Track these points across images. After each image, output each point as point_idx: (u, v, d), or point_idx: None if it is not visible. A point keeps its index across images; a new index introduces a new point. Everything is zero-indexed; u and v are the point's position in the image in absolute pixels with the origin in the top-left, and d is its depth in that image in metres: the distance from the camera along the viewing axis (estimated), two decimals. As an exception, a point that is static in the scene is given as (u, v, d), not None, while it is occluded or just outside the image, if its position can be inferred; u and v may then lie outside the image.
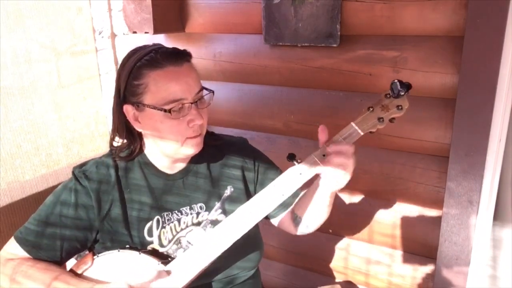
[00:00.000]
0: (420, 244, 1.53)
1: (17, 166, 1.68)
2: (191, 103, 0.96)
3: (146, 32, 1.65)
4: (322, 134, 0.93)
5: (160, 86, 0.94)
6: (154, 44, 1.01)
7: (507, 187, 2.45)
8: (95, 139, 2.04)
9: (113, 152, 1.07)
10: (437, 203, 1.45)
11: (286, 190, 0.95)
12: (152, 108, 0.95)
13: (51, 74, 1.80)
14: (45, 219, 1.00)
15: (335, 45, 1.46)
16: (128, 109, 0.99)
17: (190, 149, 1.00)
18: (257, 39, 1.61)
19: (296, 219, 1.12)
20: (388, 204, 1.55)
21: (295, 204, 1.14)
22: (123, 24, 1.73)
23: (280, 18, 1.51)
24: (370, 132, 0.93)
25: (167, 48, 0.99)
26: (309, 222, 1.10)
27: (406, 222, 1.54)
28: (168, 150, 1.01)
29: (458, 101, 1.32)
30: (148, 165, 1.06)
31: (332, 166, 0.91)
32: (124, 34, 1.93)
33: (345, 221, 1.65)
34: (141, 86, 0.95)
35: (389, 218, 1.56)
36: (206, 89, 1.02)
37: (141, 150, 1.07)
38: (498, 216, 2.47)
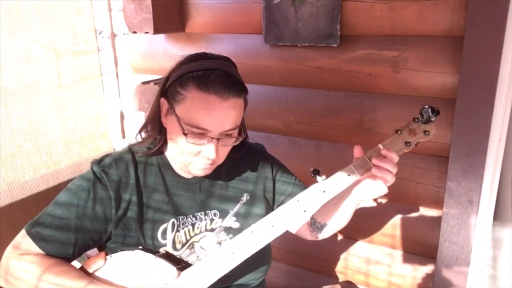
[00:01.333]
0: (420, 244, 1.53)
1: (17, 167, 1.68)
2: (212, 138, 0.93)
3: (146, 32, 1.65)
4: (357, 151, 0.94)
5: (194, 107, 0.92)
6: (224, 59, 1.00)
7: (507, 187, 2.44)
8: (96, 139, 2.04)
9: (139, 143, 1.06)
10: (437, 203, 1.45)
11: (309, 207, 0.94)
12: (177, 119, 0.94)
13: (51, 74, 1.80)
14: (60, 215, 0.97)
15: (335, 45, 1.46)
16: (164, 103, 0.99)
17: (195, 172, 1.00)
18: (257, 39, 1.61)
19: (315, 224, 1.11)
20: (388, 204, 1.55)
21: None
22: (123, 24, 1.73)
23: (280, 18, 1.51)
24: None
25: (226, 75, 0.95)
26: (329, 228, 1.09)
27: (406, 222, 1.53)
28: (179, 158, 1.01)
29: (458, 101, 1.32)
30: (166, 167, 1.06)
31: (378, 171, 0.90)
32: (124, 34, 1.93)
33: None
34: (180, 95, 0.94)
35: (389, 218, 1.56)
36: (240, 135, 1.00)
37: (162, 149, 1.06)
38: (498, 216, 2.47)
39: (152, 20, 1.61)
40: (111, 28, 1.94)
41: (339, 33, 1.43)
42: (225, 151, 1.00)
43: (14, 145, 1.67)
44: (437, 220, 1.45)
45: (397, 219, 1.55)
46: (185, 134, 0.92)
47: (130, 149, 1.06)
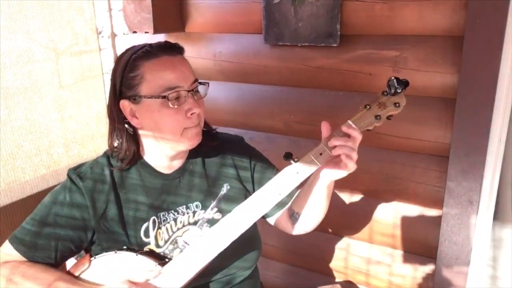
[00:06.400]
0: (420, 244, 1.53)
1: (18, 167, 1.68)
2: (188, 91, 0.96)
3: (146, 32, 1.65)
4: (325, 129, 0.93)
5: (156, 74, 0.95)
6: (146, 43, 1.02)
7: (507, 187, 2.44)
8: (96, 139, 2.04)
9: (111, 156, 1.06)
10: (437, 203, 1.45)
11: (283, 190, 0.94)
12: (149, 98, 0.95)
13: (52, 74, 1.80)
14: (39, 220, 1.00)
15: (335, 45, 1.46)
16: (125, 105, 0.98)
17: (189, 141, 1.00)
18: (257, 39, 1.61)
19: (293, 216, 1.11)
20: (388, 204, 1.55)
21: (293, 199, 1.13)
22: (123, 24, 1.73)
23: (280, 18, 1.51)
24: (367, 130, 0.93)
25: (160, 41, 1.00)
26: (307, 218, 1.09)
27: (406, 222, 1.53)
28: (167, 143, 1.00)
29: (458, 101, 1.31)
30: (144, 165, 1.06)
31: (341, 151, 0.90)
32: (124, 34, 1.93)
33: (345, 221, 1.65)
34: (137, 78, 0.95)
35: (389, 218, 1.56)
36: (201, 82, 1.02)
37: (138, 156, 1.05)
38: (498, 216, 2.46)
39: (152, 20, 1.62)
40: (111, 28, 1.95)
41: (339, 33, 1.43)
42: (202, 107, 1.02)
43: (14, 145, 1.67)
44: (437, 220, 1.45)
45: (397, 219, 1.55)
46: (167, 98, 0.93)
47: (106, 153, 1.07)
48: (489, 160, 1.32)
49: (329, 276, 1.75)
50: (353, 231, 1.65)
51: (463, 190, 1.37)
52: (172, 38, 1.78)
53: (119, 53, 1.94)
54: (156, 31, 1.64)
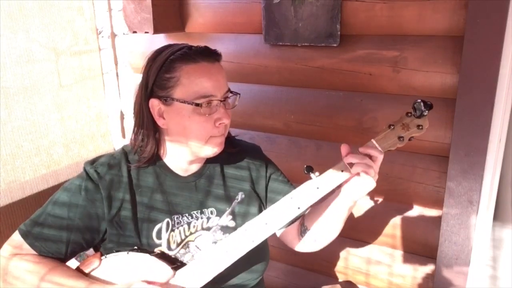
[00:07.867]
0: (420, 244, 1.53)
1: (18, 167, 1.68)
2: (220, 100, 0.96)
3: (146, 32, 1.65)
4: (344, 149, 0.94)
5: (193, 80, 0.94)
6: (184, 43, 1.01)
7: (507, 187, 2.44)
8: (96, 139, 2.04)
9: (130, 153, 1.05)
10: (437, 203, 1.45)
11: (302, 204, 0.94)
12: (181, 102, 0.94)
13: (52, 74, 1.80)
14: (52, 216, 0.98)
15: (335, 45, 1.46)
16: (154, 104, 0.97)
17: (213, 149, 1.00)
18: (257, 39, 1.61)
19: (303, 231, 1.11)
20: (388, 204, 1.55)
21: (306, 214, 1.12)
22: (123, 24, 1.73)
23: (280, 18, 1.51)
24: (389, 150, 0.93)
25: (200, 46, 0.99)
26: (318, 236, 1.09)
27: (406, 222, 1.53)
28: (189, 148, 1.00)
29: (458, 101, 1.31)
30: (161, 166, 1.05)
31: (359, 169, 0.90)
32: (124, 34, 1.93)
33: (345, 221, 1.65)
34: (172, 80, 0.94)
35: (389, 218, 1.56)
36: (232, 92, 1.02)
37: (157, 155, 1.04)
38: (498, 216, 2.47)
39: (152, 20, 1.62)
40: (111, 28, 1.95)
41: (339, 33, 1.43)
42: (230, 117, 1.01)
43: (15, 145, 1.67)
44: (437, 220, 1.45)
45: (397, 219, 1.55)
46: (200, 106, 0.93)
47: (124, 150, 1.06)
48: (489, 160, 1.32)
49: (329, 276, 1.75)
50: (353, 231, 1.65)
51: (463, 190, 1.37)
52: (172, 38, 1.79)
53: (119, 53, 1.97)
54: (156, 31, 1.64)
